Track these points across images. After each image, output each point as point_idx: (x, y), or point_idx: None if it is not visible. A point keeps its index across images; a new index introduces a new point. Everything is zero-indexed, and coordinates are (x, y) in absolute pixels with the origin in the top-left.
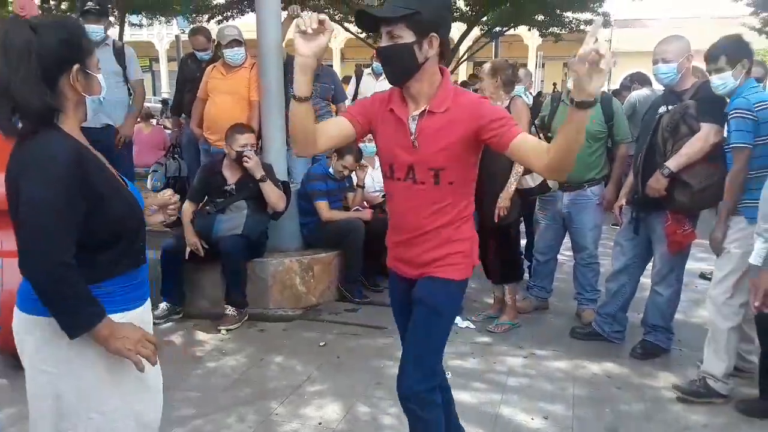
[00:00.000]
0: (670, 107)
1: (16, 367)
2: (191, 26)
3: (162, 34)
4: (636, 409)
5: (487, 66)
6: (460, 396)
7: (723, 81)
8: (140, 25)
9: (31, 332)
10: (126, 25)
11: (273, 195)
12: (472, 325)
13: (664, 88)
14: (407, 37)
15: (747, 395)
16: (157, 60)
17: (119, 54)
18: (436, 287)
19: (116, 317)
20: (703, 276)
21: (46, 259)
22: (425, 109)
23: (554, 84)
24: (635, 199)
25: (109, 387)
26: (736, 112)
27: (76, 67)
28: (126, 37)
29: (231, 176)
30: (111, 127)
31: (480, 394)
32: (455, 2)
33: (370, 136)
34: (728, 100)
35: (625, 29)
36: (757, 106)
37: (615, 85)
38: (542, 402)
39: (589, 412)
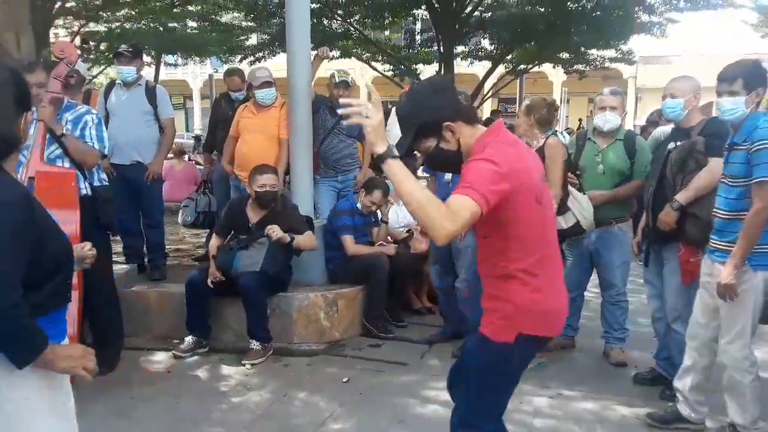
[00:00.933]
0: (678, 143)
1: None
2: (225, 66)
3: (196, 73)
4: None
5: (524, 103)
6: None
7: (735, 106)
8: (175, 65)
9: None
10: (162, 64)
11: (306, 244)
12: None
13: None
14: (430, 142)
15: None
16: (190, 98)
17: (151, 93)
18: (472, 342)
19: None
20: None
21: (1, 302)
22: None
23: (579, 120)
24: (646, 233)
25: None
26: (763, 144)
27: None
28: (161, 76)
29: (253, 215)
30: (141, 164)
31: None
32: (480, 42)
33: None
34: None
35: (650, 65)
36: None
37: (641, 120)
38: None
39: None
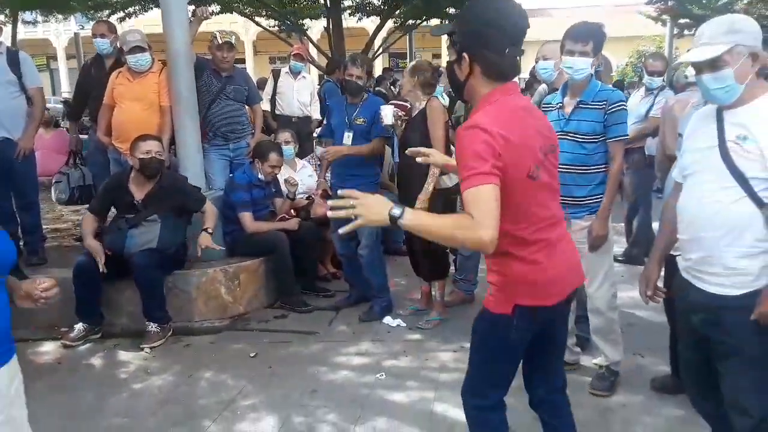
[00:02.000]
0: None
1: None
2: (92, 24)
3: (60, 31)
4: None
5: (410, 64)
6: (394, 396)
7: (585, 66)
8: (35, 23)
9: None
10: (19, 23)
11: (214, 222)
12: (403, 323)
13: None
14: (452, 55)
15: (659, 372)
16: (55, 58)
17: (13, 61)
18: (477, 316)
19: None
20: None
21: None
22: None
23: None
24: None
25: None
26: (623, 105)
27: None
28: (20, 35)
29: (138, 191)
30: (9, 140)
31: (413, 392)
32: None
33: (287, 137)
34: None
35: (531, 19)
36: None
37: (525, 74)
38: None
39: (518, 400)
